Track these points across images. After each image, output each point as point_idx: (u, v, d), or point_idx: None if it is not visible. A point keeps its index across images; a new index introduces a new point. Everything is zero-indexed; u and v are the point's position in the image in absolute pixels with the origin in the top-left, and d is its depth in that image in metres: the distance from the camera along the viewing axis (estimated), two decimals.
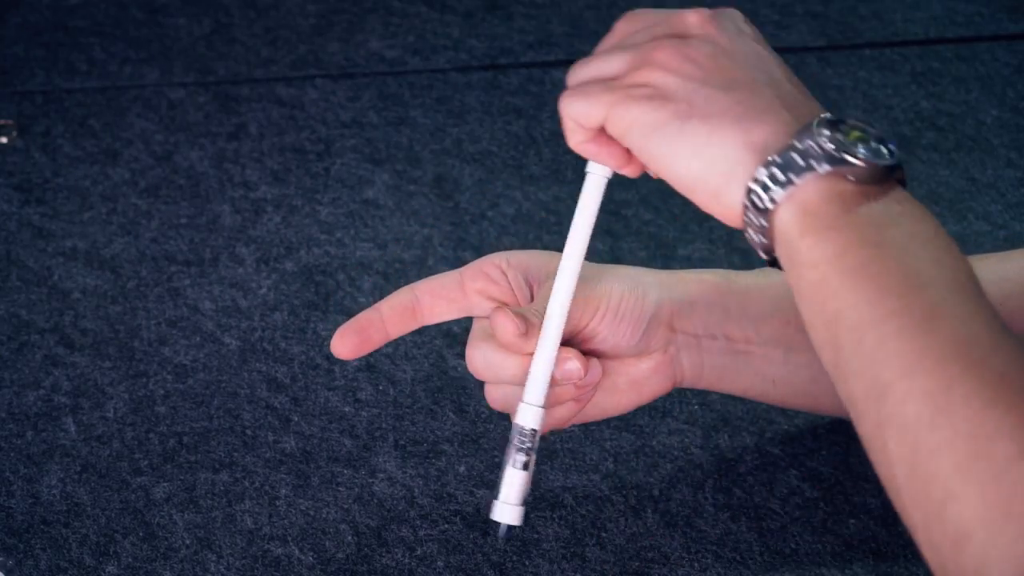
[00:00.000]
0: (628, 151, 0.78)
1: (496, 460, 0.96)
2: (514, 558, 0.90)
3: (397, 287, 1.09)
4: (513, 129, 1.27)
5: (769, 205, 0.71)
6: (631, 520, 0.93)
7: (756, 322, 0.89)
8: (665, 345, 0.88)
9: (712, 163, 0.72)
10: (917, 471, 0.64)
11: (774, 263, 0.73)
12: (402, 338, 1.05)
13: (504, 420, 0.99)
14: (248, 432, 0.98)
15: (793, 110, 0.73)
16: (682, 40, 0.76)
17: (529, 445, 0.83)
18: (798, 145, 0.70)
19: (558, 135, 1.26)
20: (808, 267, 0.69)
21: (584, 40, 1.38)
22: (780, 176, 0.70)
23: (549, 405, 0.84)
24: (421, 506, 0.93)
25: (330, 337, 1.05)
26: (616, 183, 1.22)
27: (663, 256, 1.14)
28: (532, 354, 0.84)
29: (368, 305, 1.08)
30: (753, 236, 0.73)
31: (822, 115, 0.72)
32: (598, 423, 0.99)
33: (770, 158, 0.71)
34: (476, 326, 0.88)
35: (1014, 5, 1.44)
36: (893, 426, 0.65)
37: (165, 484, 0.94)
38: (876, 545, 0.91)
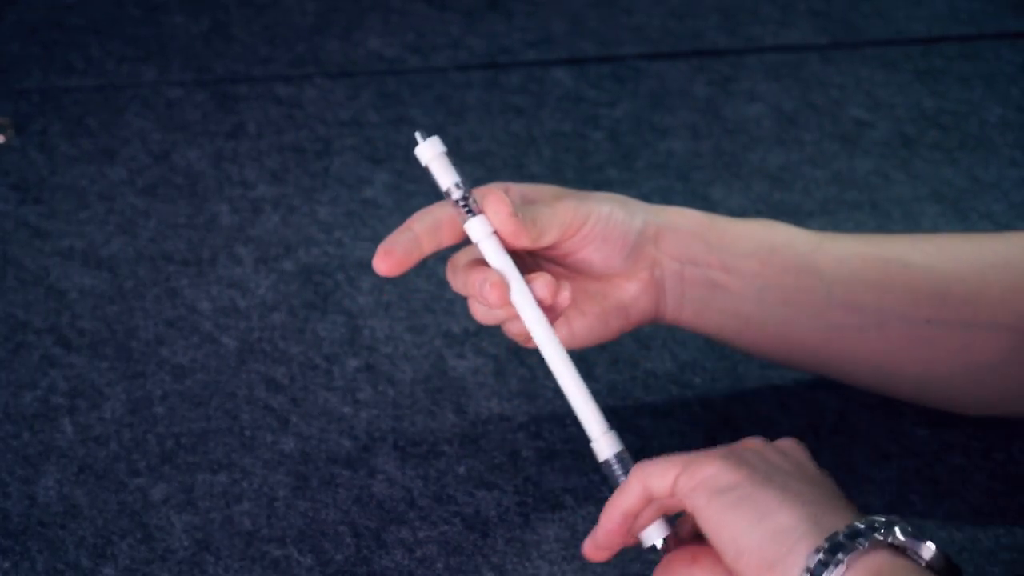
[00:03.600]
0: None
1: (496, 461, 0.96)
2: (514, 559, 0.90)
3: (396, 287, 1.09)
4: (513, 129, 1.27)
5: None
6: None
7: (734, 257, 0.92)
8: (651, 266, 0.92)
9: (774, 534, 0.74)
10: None
11: None
12: (402, 338, 1.05)
13: (503, 422, 0.99)
14: (247, 433, 0.98)
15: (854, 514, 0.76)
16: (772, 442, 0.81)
17: (623, 471, 0.84)
18: (861, 526, 0.74)
19: (558, 135, 1.26)
20: None
21: (584, 39, 1.38)
22: (844, 549, 0.73)
23: (512, 318, 0.87)
24: (420, 507, 0.93)
25: (329, 337, 1.05)
26: (617, 182, 1.22)
27: None
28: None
29: (368, 305, 1.08)
30: None
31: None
32: None
33: (837, 532, 0.73)
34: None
35: (1018, 2, 1.44)
36: None
37: (163, 485, 0.94)
38: None
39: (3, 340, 1.05)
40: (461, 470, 0.96)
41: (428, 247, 0.89)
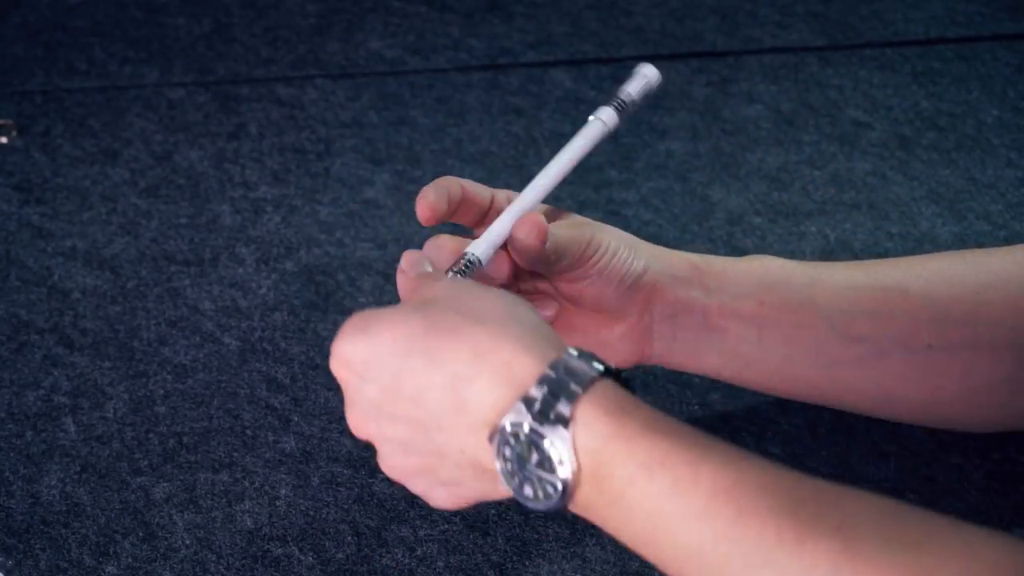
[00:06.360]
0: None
1: None
2: (514, 558, 0.90)
3: (397, 287, 1.09)
4: (513, 129, 1.27)
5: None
6: None
7: (732, 299, 0.93)
8: (640, 313, 0.92)
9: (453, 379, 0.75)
10: None
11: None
12: None
13: None
14: (248, 432, 0.98)
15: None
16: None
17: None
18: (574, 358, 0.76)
19: (558, 135, 1.26)
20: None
21: (584, 40, 1.38)
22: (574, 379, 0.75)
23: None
24: (421, 506, 0.93)
25: (330, 337, 1.05)
26: (617, 182, 1.22)
27: None
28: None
29: (368, 305, 1.08)
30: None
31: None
32: None
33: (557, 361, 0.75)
34: None
35: (1014, 5, 1.44)
36: None
37: (165, 484, 0.94)
38: None
39: (6, 340, 1.05)
40: None
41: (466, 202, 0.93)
